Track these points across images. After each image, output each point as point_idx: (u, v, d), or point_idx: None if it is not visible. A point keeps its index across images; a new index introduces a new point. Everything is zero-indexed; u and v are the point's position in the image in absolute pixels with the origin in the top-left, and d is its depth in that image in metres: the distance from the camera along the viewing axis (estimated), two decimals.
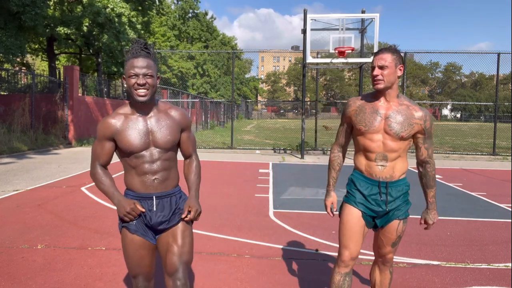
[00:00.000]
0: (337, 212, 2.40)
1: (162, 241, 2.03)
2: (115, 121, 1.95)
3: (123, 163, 2.02)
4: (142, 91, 1.87)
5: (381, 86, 2.13)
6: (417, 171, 2.35)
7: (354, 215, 2.25)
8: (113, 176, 2.10)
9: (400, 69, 2.15)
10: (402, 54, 14.38)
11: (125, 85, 1.94)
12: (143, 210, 1.96)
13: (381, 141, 2.17)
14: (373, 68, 2.16)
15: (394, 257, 3.78)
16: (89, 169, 2.12)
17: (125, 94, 22.58)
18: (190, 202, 2.04)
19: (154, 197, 1.98)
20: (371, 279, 2.45)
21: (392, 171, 2.20)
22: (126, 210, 1.93)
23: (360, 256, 3.76)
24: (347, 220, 2.26)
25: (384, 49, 2.17)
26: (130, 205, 1.93)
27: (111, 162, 2.09)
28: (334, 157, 2.40)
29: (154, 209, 1.98)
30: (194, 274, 3.30)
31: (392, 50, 2.15)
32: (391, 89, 2.16)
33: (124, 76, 1.92)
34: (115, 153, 2.06)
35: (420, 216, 2.37)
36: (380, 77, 2.12)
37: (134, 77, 1.87)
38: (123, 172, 2.08)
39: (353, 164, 2.35)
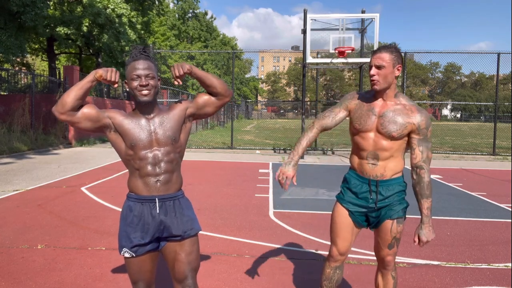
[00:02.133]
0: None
1: (169, 249, 2.02)
2: (122, 115, 1.99)
3: (127, 167, 2.03)
4: (145, 91, 1.92)
5: (377, 87, 2.11)
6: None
7: (341, 214, 2.29)
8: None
9: (398, 69, 2.11)
10: (402, 54, 14.43)
11: (127, 89, 1.98)
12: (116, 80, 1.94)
13: (373, 139, 2.17)
14: (370, 67, 2.13)
15: None
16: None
17: (125, 94, 22.58)
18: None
19: (157, 199, 1.98)
20: (375, 285, 2.42)
21: (384, 170, 2.18)
22: (107, 71, 1.91)
23: (360, 257, 3.76)
24: (335, 218, 2.32)
25: (383, 47, 2.13)
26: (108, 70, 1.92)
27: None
28: (308, 133, 2.31)
29: (157, 211, 1.98)
30: None
31: (391, 49, 2.10)
32: (389, 89, 2.14)
33: (126, 80, 1.97)
34: (118, 156, 2.05)
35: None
36: (376, 77, 2.09)
37: (136, 79, 1.92)
38: (127, 175, 2.07)
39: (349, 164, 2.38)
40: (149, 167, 1.95)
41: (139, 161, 1.95)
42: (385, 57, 2.08)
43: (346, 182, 2.34)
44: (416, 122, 2.11)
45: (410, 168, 2.22)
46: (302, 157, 2.41)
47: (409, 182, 2.20)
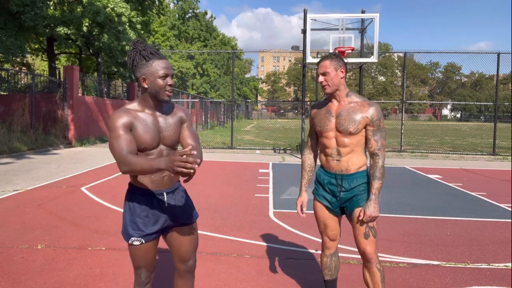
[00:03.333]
0: (305, 213, 2.70)
1: (172, 235, 2.14)
2: (131, 115, 1.93)
3: None
4: (170, 92, 1.96)
5: (328, 90, 2.39)
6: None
7: (320, 207, 2.55)
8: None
9: (342, 71, 2.39)
10: (402, 54, 14.47)
11: (146, 86, 1.92)
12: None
13: (334, 138, 2.42)
14: (318, 76, 2.41)
15: (394, 256, 3.79)
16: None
17: (125, 94, 22.56)
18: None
19: (164, 193, 2.04)
20: (364, 281, 2.50)
21: (347, 165, 2.41)
22: (176, 160, 1.60)
23: (360, 256, 3.76)
24: (316, 212, 2.58)
25: (323, 57, 2.42)
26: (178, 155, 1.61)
27: (115, 161, 2.03)
28: (304, 159, 2.67)
29: (166, 204, 2.04)
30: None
31: (330, 56, 2.41)
32: (339, 90, 2.40)
33: (146, 77, 1.90)
34: None
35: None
36: (325, 82, 2.37)
37: (165, 77, 1.91)
38: (127, 175, 2.07)
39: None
40: None
41: None
42: (327, 64, 2.37)
43: (317, 177, 2.59)
44: (369, 116, 2.36)
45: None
46: (308, 180, 2.68)
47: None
